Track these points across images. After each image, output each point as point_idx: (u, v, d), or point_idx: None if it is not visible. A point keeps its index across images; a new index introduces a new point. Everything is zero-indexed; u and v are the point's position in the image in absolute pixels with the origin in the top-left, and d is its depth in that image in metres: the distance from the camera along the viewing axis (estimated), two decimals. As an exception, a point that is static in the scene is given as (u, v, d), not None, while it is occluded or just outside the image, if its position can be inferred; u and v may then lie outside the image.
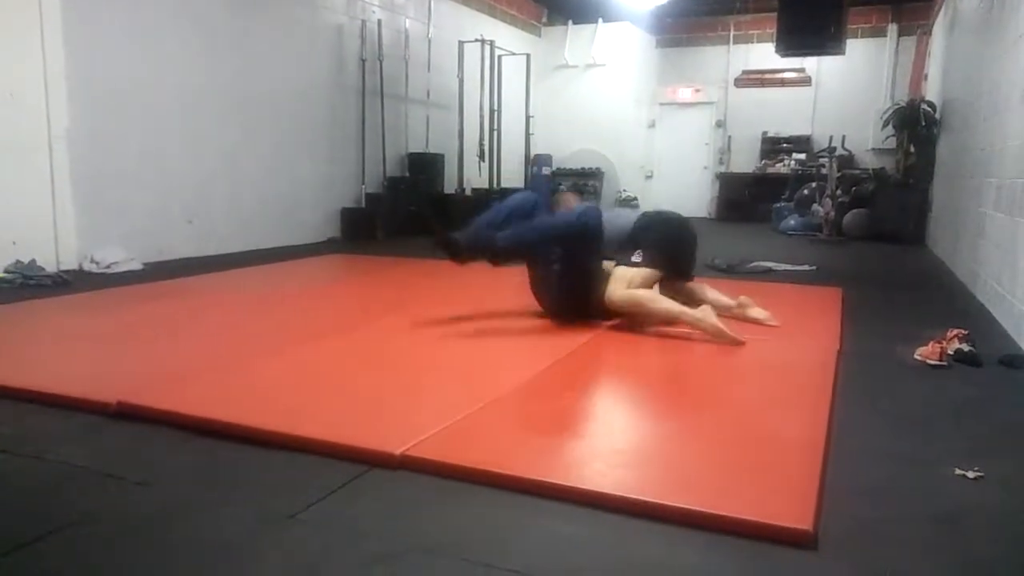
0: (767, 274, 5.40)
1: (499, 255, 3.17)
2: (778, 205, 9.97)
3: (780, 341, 3.17)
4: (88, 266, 4.76)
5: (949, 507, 1.61)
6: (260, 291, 4.23)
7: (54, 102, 4.65)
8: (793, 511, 1.50)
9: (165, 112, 5.40)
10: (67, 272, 4.55)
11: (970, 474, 1.76)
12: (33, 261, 4.41)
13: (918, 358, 2.83)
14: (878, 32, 10.73)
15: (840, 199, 8.80)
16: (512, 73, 9.21)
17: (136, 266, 4.90)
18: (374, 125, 7.45)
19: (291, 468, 1.75)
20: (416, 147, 8.11)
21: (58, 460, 1.79)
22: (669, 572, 1.34)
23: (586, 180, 10.61)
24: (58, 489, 1.65)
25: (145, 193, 5.29)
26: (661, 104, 12.13)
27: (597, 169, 10.76)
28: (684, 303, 3.22)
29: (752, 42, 11.48)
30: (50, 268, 4.53)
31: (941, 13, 8.53)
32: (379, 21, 7.41)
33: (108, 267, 4.74)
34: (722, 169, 11.95)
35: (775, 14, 8.01)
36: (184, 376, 2.39)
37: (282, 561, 1.36)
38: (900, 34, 10.63)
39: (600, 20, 10.78)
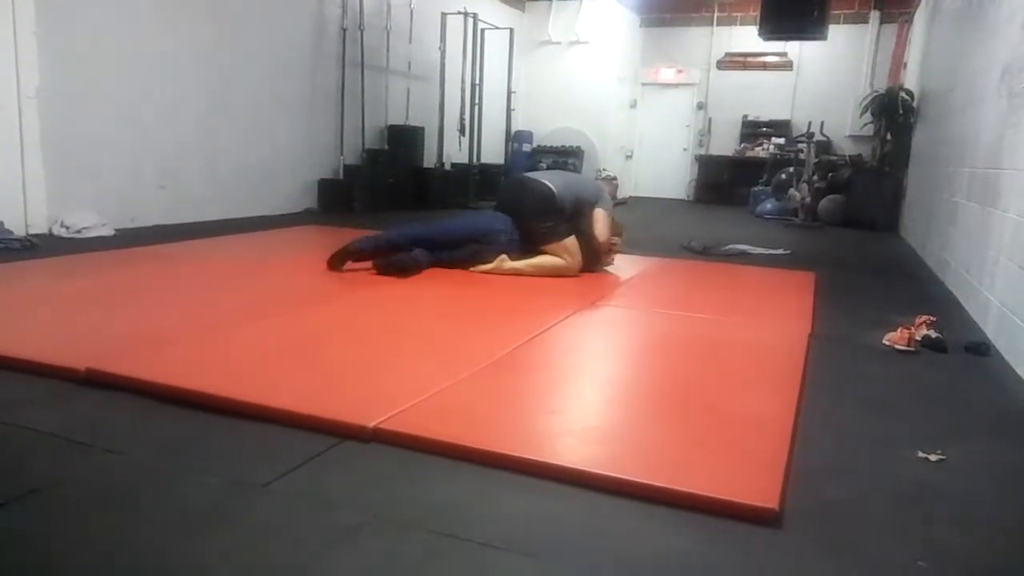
0: (742, 257, 5.45)
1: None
2: (755, 189, 10.04)
3: (753, 323, 3.21)
4: (58, 230, 4.66)
5: (911, 488, 1.65)
6: (234, 260, 4.18)
7: (24, 60, 4.51)
8: (759, 489, 1.52)
9: (140, 75, 5.27)
10: (36, 236, 4.46)
11: (932, 457, 1.80)
12: (1, 224, 4.31)
13: (886, 343, 2.89)
14: (860, 19, 10.77)
15: (816, 185, 8.89)
16: (495, 47, 9.12)
17: (108, 232, 4.81)
18: (354, 96, 7.35)
19: (263, 438, 1.74)
20: (396, 119, 8.02)
21: (25, 426, 1.76)
22: (637, 547, 1.36)
23: (566, 158, 10.57)
24: (24, 455, 1.63)
25: (118, 157, 5.18)
26: (643, 84, 12.10)
27: (577, 147, 10.72)
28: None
29: (735, 24, 11.47)
30: (18, 232, 4.42)
31: (922, 2, 8.58)
32: (361, -11, 7.28)
33: (79, 232, 4.65)
34: (702, 151, 11.98)
35: (759, -3, 8.02)
36: (155, 344, 2.36)
37: (252, 530, 1.36)
38: (882, 21, 10.67)
39: (585, -4, 10.69)
